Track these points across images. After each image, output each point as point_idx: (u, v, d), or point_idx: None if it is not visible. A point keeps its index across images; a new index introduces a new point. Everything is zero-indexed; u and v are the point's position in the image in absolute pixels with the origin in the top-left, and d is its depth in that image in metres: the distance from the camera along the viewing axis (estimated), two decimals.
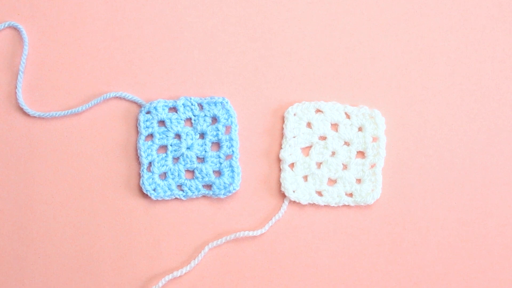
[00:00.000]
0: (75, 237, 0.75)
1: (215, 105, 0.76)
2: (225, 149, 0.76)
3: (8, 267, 0.75)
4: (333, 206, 0.76)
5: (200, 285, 0.75)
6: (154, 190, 0.75)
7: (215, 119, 0.77)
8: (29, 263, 0.75)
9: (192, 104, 0.76)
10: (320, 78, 0.78)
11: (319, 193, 0.77)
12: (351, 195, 0.76)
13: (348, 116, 0.77)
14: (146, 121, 0.76)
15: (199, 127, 0.76)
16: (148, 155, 0.76)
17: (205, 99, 0.76)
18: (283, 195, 0.76)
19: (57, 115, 0.76)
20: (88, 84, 0.77)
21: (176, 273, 0.74)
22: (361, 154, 0.77)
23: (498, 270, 0.76)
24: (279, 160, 0.77)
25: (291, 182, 0.76)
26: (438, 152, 0.77)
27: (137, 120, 0.77)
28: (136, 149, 0.76)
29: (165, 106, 0.76)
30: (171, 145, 0.76)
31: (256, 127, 0.77)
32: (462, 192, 0.76)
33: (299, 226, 0.76)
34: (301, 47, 0.78)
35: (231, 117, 0.76)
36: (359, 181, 0.77)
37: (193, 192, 0.76)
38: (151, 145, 0.76)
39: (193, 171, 0.76)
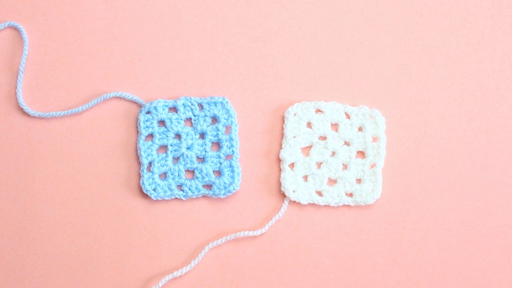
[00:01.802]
0: (75, 237, 0.75)
1: (215, 105, 0.76)
2: (225, 149, 0.76)
3: (8, 267, 0.75)
4: (333, 206, 0.76)
5: (200, 285, 0.75)
6: (154, 190, 0.76)
7: (215, 119, 0.77)
8: (29, 263, 0.75)
9: (192, 104, 0.76)
10: (320, 78, 0.78)
11: (319, 193, 0.76)
12: (351, 195, 0.76)
13: (348, 116, 0.77)
14: (146, 121, 0.76)
15: (199, 127, 0.76)
16: (148, 155, 0.76)
17: (205, 99, 0.76)
18: (283, 195, 0.76)
19: (57, 115, 0.76)
20: (88, 84, 0.77)
21: (176, 273, 0.74)
22: (361, 154, 0.77)
23: (498, 270, 0.76)
24: (279, 160, 0.77)
25: (291, 182, 0.76)
26: (438, 152, 0.77)
27: (137, 120, 0.77)
28: (136, 149, 0.76)
29: (165, 106, 0.76)
30: (171, 145, 0.76)
31: (256, 127, 0.77)
32: (462, 192, 0.76)
33: (299, 226, 0.76)
34: (301, 47, 0.78)
35: (231, 117, 0.76)
36: (359, 181, 0.77)
37: (193, 192, 0.76)
38: (151, 145, 0.76)
39: (193, 171, 0.76)
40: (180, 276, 0.75)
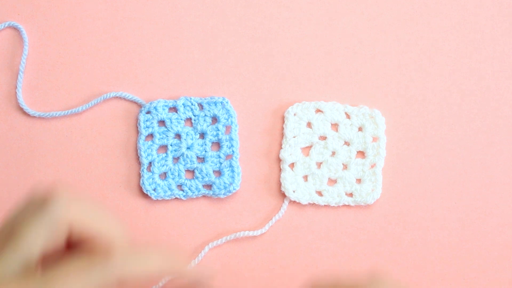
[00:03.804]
0: None
1: (215, 105, 0.76)
2: (225, 149, 0.76)
3: None
4: (333, 206, 0.76)
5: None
6: (154, 190, 0.76)
7: (215, 119, 0.77)
8: None
9: (192, 104, 0.76)
10: (320, 78, 0.78)
11: (319, 193, 0.77)
12: (351, 195, 0.76)
13: (348, 116, 0.77)
14: (146, 121, 0.76)
15: (199, 127, 0.76)
16: (148, 155, 0.76)
17: (205, 99, 0.76)
18: (283, 195, 0.76)
19: (57, 115, 0.76)
20: (88, 84, 0.77)
21: None
22: (361, 154, 0.77)
23: (498, 270, 0.76)
24: (279, 160, 0.77)
25: (291, 182, 0.76)
26: (438, 152, 0.77)
27: (137, 120, 0.77)
28: (136, 149, 0.76)
29: (165, 106, 0.76)
30: (171, 145, 0.76)
31: (256, 127, 0.77)
32: (462, 192, 0.76)
33: (299, 226, 0.76)
34: (301, 47, 0.78)
35: (231, 117, 0.76)
36: (359, 181, 0.77)
37: (193, 192, 0.76)
38: (151, 145, 0.76)
39: (193, 171, 0.76)
40: None
